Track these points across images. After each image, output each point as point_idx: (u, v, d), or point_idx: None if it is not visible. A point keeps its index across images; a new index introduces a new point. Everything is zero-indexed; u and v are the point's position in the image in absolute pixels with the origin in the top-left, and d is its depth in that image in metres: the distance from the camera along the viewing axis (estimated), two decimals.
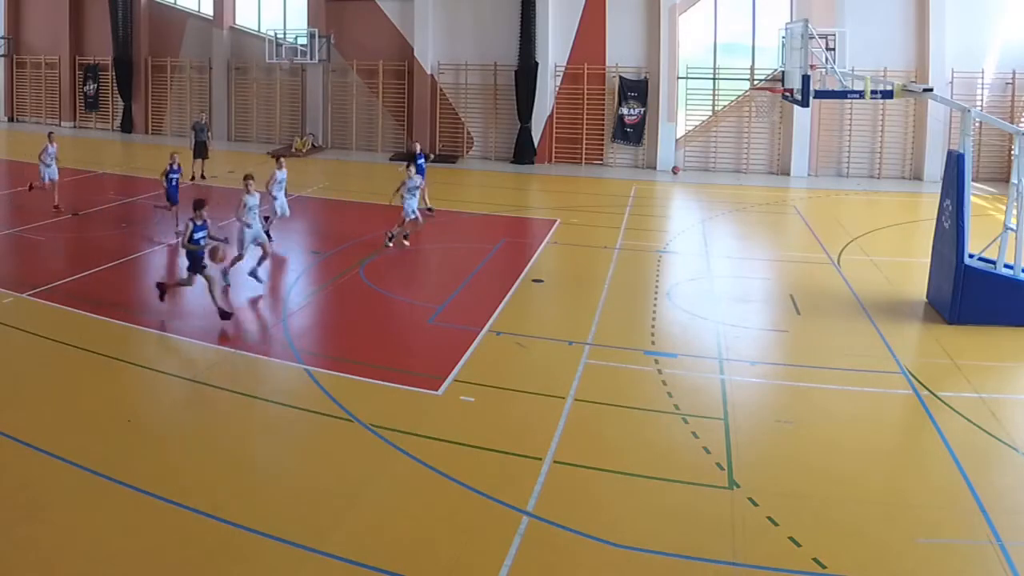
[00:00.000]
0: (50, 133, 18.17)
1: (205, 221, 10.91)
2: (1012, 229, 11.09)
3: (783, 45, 14.39)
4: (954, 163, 11.21)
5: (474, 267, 13.65)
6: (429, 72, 26.68)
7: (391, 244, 14.55)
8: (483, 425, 7.99)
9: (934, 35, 22.50)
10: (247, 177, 12.83)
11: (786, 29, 14.04)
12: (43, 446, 7.27)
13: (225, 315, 10.68)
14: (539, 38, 25.20)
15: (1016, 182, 11.01)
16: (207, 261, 10.96)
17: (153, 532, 6.14)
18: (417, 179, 14.78)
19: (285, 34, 27.48)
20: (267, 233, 13.66)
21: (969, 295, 10.88)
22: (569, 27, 25.36)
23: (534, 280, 12.94)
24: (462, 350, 9.80)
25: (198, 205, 10.89)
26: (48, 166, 17.22)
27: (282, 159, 15.55)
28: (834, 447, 7.77)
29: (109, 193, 19.82)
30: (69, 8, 32.10)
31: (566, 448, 7.50)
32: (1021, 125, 21.09)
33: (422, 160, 17.64)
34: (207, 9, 29.93)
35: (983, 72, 22.55)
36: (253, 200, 12.52)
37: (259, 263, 12.55)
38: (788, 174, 23.82)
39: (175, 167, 15.81)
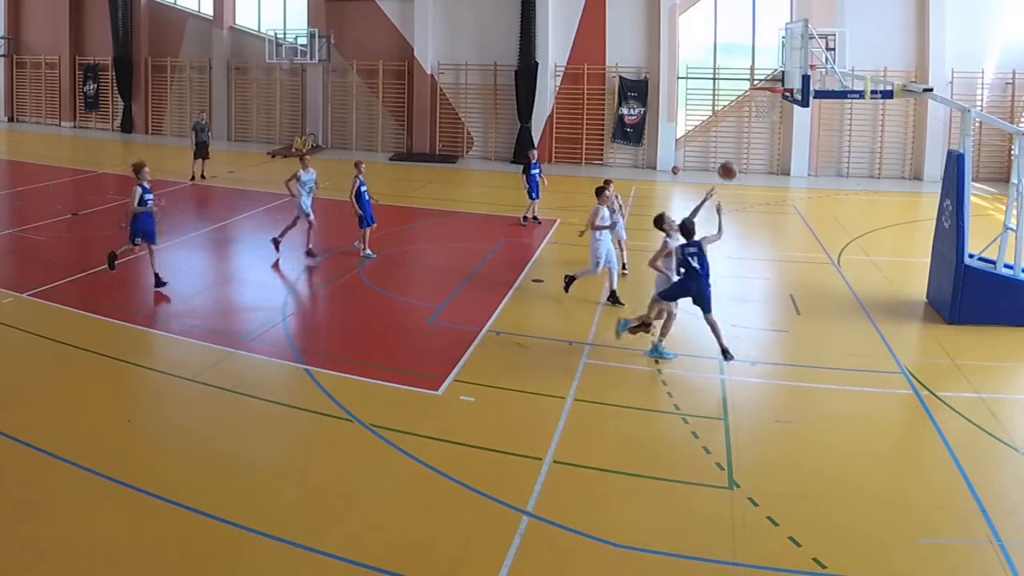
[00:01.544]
0: (303, 157, 14.96)
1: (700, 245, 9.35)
2: (1012, 229, 11.08)
3: (783, 45, 14.39)
4: (954, 163, 11.21)
5: (474, 267, 13.65)
6: (429, 72, 26.69)
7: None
8: (483, 425, 7.99)
9: (934, 35, 22.51)
10: (605, 183, 12.10)
11: (786, 29, 14.03)
12: (43, 446, 7.27)
13: (727, 355, 9.36)
14: (539, 38, 25.22)
15: (1016, 182, 11.00)
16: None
17: (153, 532, 6.14)
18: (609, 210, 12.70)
19: (285, 34, 27.50)
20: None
21: (969, 295, 10.88)
22: (569, 27, 25.37)
23: (534, 280, 12.94)
24: (462, 350, 9.80)
25: (687, 231, 9.35)
26: (306, 196, 13.88)
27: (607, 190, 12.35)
28: (834, 447, 7.77)
29: (109, 193, 19.80)
30: (69, 8, 32.12)
31: (566, 448, 7.50)
32: (1021, 125, 21.09)
33: (537, 170, 16.77)
34: (207, 9, 29.95)
35: (983, 72, 22.56)
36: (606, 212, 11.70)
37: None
38: (788, 174, 23.84)
39: (362, 177, 13.88)
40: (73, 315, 10.85)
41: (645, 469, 7.18)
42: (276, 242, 13.94)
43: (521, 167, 17.44)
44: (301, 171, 13.90)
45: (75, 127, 32.81)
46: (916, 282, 12.46)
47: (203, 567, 5.77)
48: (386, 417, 8.01)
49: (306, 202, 13.78)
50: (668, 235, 9.90)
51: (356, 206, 13.77)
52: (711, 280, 9.46)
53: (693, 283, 9.36)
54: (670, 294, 9.57)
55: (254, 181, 21.57)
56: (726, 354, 9.34)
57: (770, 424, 8.20)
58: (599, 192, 12.10)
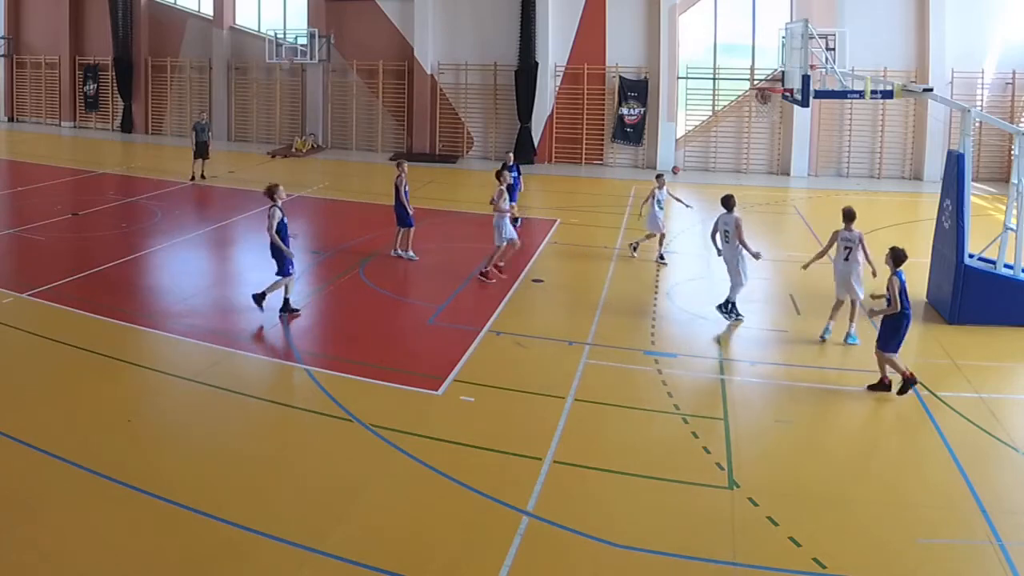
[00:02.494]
0: (501, 172, 13.52)
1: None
2: (1012, 229, 11.08)
3: (783, 45, 14.40)
4: (954, 163, 11.21)
5: (474, 267, 13.64)
6: (429, 72, 26.68)
7: (635, 253, 14.25)
8: (483, 425, 7.99)
9: (934, 35, 22.50)
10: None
11: (786, 29, 14.04)
12: (43, 446, 7.27)
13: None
14: (539, 38, 25.21)
15: (1016, 182, 11.01)
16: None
17: (153, 532, 6.14)
18: (665, 191, 14.07)
19: (285, 34, 27.49)
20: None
21: (969, 295, 10.89)
22: (569, 27, 25.36)
23: (534, 280, 12.94)
24: (462, 350, 9.80)
25: (900, 258, 8.71)
26: (509, 226, 12.79)
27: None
28: (834, 447, 7.78)
29: (109, 193, 19.82)
30: (69, 8, 32.10)
31: (566, 448, 7.50)
32: (1021, 125, 21.08)
33: (515, 174, 16.31)
34: (207, 9, 29.92)
35: (983, 72, 22.55)
36: None
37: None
38: (788, 174, 23.82)
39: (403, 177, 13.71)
40: (73, 315, 10.85)
41: (645, 469, 7.18)
42: (496, 269, 12.93)
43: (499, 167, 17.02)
44: (503, 188, 12.99)
45: (75, 127, 32.79)
46: (916, 282, 12.39)
47: (203, 567, 5.77)
48: (386, 417, 8.01)
49: (508, 227, 12.74)
50: (849, 230, 10.16)
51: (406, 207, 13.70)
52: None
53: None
54: (898, 343, 8.67)
55: (254, 181, 21.51)
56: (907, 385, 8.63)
57: (770, 424, 8.20)
58: (728, 203, 11.04)
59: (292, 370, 9.28)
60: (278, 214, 10.63)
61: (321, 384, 8.83)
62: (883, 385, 8.77)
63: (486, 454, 7.41)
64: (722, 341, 10.46)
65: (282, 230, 10.66)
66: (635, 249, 14.37)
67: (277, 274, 10.81)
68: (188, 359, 9.62)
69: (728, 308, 10.95)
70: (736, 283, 10.93)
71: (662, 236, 14.17)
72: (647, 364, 9.56)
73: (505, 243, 12.72)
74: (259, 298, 10.85)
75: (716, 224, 11.11)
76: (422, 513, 6.51)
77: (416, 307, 11.85)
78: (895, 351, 8.64)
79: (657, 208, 13.98)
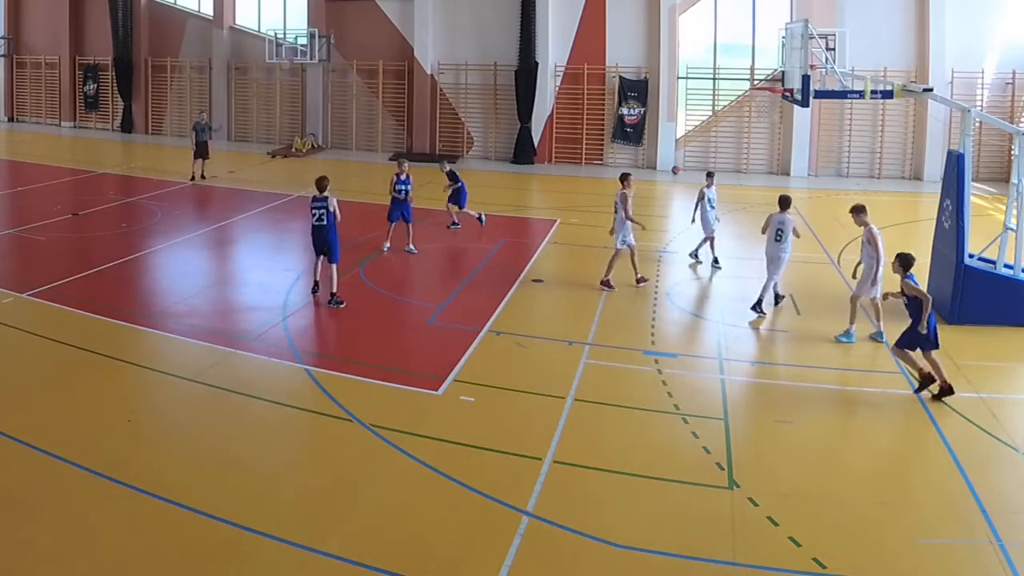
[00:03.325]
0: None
1: None
2: (1012, 229, 11.09)
3: (783, 45, 14.40)
4: (954, 163, 11.21)
5: (474, 267, 13.65)
6: (429, 72, 26.68)
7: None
8: (483, 425, 7.99)
9: (934, 35, 22.51)
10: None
11: (786, 29, 14.05)
12: (43, 446, 7.27)
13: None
14: (539, 38, 25.21)
15: (1016, 182, 11.01)
16: None
17: (153, 532, 6.14)
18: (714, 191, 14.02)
19: (285, 34, 27.50)
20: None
21: (969, 295, 10.89)
22: (569, 27, 25.37)
23: (534, 280, 12.94)
24: (462, 350, 9.80)
25: (908, 263, 8.99)
26: (628, 230, 12.32)
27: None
28: (834, 447, 7.79)
29: (109, 193, 19.82)
30: (69, 8, 32.12)
31: (566, 448, 7.50)
32: (1021, 125, 21.08)
33: (456, 182, 16.10)
34: (207, 9, 29.94)
35: (983, 72, 22.55)
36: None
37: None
38: (788, 174, 23.83)
39: (403, 177, 14.31)
40: (73, 315, 10.85)
41: (645, 469, 7.18)
42: (607, 283, 12.43)
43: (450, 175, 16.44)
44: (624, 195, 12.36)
45: (75, 127, 32.80)
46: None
47: (203, 567, 5.77)
48: (386, 417, 8.01)
49: (628, 231, 12.31)
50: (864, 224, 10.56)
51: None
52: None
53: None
54: (935, 341, 8.60)
55: (254, 181, 21.55)
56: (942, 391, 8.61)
57: (770, 424, 8.20)
58: (785, 203, 11.47)
59: (292, 370, 9.28)
60: (335, 203, 11.33)
61: (321, 384, 8.83)
62: (944, 391, 8.59)
63: (486, 454, 7.41)
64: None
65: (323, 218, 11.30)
66: (695, 256, 14.21)
67: (332, 262, 11.34)
68: (188, 359, 9.62)
69: (759, 305, 11.32)
70: (770, 282, 11.37)
71: (712, 239, 13.98)
72: (647, 364, 9.56)
73: (626, 246, 12.35)
74: (334, 298, 11.29)
75: (768, 222, 11.46)
76: (422, 513, 6.51)
77: (416, 307, 11.85)
78: (936, 347, 8.60)
79: (709, 207, 13.89)
